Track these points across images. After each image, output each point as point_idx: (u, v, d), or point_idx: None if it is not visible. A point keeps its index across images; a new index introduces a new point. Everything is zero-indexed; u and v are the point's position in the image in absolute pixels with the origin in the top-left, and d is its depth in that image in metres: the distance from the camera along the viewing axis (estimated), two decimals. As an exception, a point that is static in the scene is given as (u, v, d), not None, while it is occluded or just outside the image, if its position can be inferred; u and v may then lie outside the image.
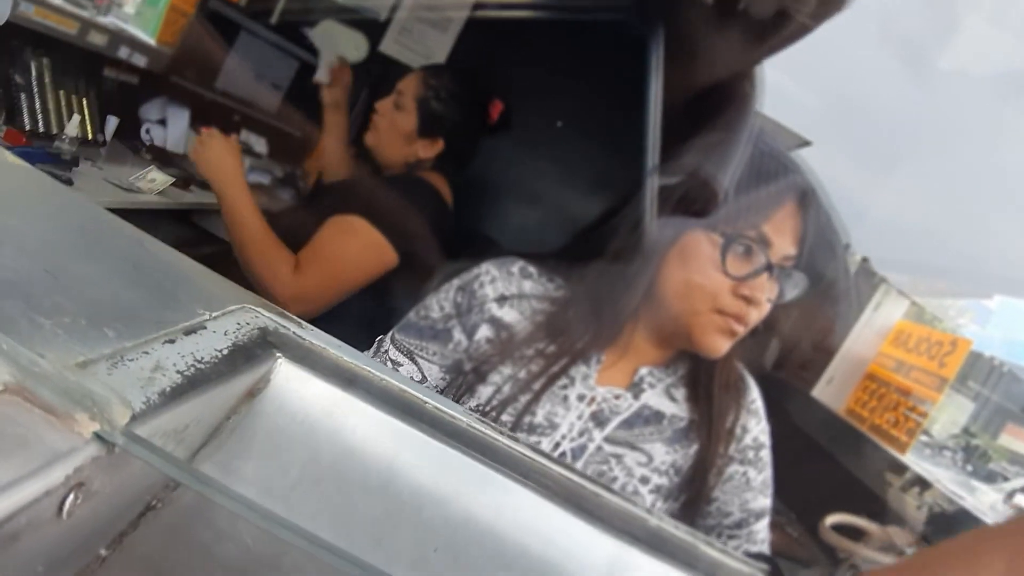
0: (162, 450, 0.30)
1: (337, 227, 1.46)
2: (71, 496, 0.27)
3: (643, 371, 1.01)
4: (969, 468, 2.64)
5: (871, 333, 2.36)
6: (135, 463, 0.30)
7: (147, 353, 0.36)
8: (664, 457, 0.98)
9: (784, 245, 0.94)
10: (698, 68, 1.42)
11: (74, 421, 0.27)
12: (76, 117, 1.56)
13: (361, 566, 0.31)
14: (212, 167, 1.46)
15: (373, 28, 2.22)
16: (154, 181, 1.62)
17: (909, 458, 2.02)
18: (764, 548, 1.03)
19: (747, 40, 1.42)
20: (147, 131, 2.01)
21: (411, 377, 1.00)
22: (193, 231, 1.90)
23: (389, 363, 1.01)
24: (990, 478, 2.59)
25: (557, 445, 0.97)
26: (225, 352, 0.42)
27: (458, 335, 1.01)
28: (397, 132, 1.61)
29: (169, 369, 0.36)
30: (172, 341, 0.39)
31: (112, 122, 1.78)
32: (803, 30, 1.37)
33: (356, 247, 1.46)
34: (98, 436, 0.28)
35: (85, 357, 0.31)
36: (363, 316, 1.47)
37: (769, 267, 0.94)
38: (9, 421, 0.26)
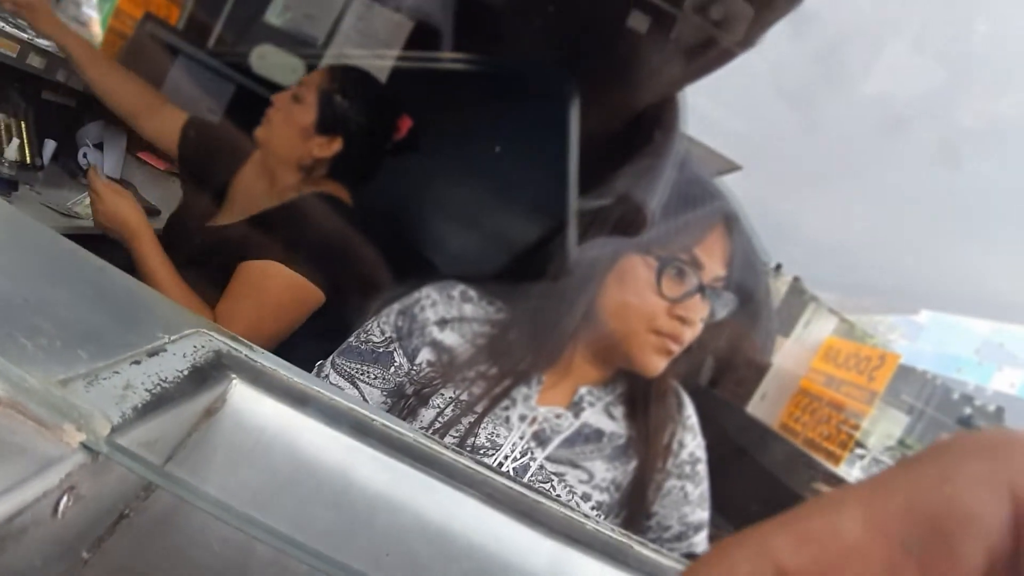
0: (143, 457, 0.32)
1: (249, 274, 1.35)
2: (64, 498, 0.30)
3: (583, 390, 1.05)
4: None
5: (801, 349, 2.43)
6: (115, 471, 0.32)
7: (117, 373, 0.38)
8: (604, 474, 1.01)
9: (714, 267, 0.99)
10: (626, 98, 1.48)
11: (62, 432, 0.30)
12: (15, 141, 1.54)
13: (330, 563, 0.34)
14: (113, 222, 1.34)
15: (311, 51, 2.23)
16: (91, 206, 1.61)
17: (843, 470, 2.08)
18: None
19: (673, 67, 1.48)
20: (84, 155, 1.98)
21: (355, 400, 1.02)
22: (131, 257, 1.87)
23: None
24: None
25: (500, 465, 0.98)
26: (186, 372, 0.45)
27: (399, 359, 1.03)
28: (293, 126, 1.47)
29: (138, 387, 0.38)
30: (138, 362, 0.41)
31: (50, 146, 1.77)
32: (726, 56, 1.43)
33: (274, 292, 1.34)
34: (84, 445, 0.30)
35: (65, 376, 0.34)
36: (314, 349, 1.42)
37: (701, 288, 0.98)
38: (6, 431, 0.29)
